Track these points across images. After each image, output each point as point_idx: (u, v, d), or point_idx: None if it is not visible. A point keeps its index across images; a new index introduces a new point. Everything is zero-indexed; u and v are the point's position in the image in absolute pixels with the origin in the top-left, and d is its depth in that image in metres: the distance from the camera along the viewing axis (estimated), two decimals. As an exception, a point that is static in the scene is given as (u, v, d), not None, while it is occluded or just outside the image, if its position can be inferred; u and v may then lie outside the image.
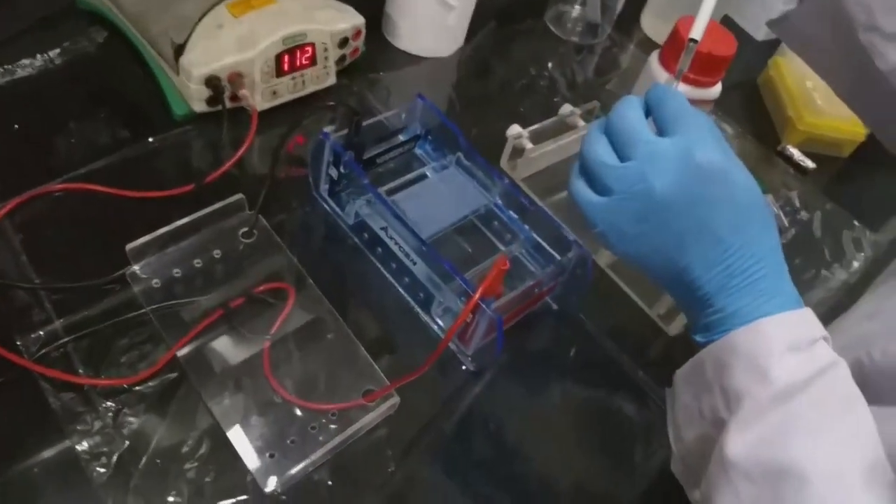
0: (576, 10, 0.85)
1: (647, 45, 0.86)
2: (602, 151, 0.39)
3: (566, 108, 0.70)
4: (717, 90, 0.74)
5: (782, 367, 0.35)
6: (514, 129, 0.66)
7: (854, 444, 0.33)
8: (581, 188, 0.40)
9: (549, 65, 0.82)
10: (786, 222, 0.72)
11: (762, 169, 0.78)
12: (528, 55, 0.82)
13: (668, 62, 0.72)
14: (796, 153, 0.79)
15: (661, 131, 0.39)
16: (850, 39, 0.47)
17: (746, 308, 0.37)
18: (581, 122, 0.70)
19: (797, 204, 0.75)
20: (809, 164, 0.78)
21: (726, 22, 0.90)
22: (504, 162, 0.68)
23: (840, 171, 0.80)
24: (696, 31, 0.45)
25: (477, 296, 0.47)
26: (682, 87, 0.72)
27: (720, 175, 0.37)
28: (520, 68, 0.81)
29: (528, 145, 0.66)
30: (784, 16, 0.52)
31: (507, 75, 0.79)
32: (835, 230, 0.73)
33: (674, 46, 0.72)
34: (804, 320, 0.37)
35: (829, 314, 0.64)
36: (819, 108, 0.78)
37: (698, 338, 0.39)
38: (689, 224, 0.37)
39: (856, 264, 0.71)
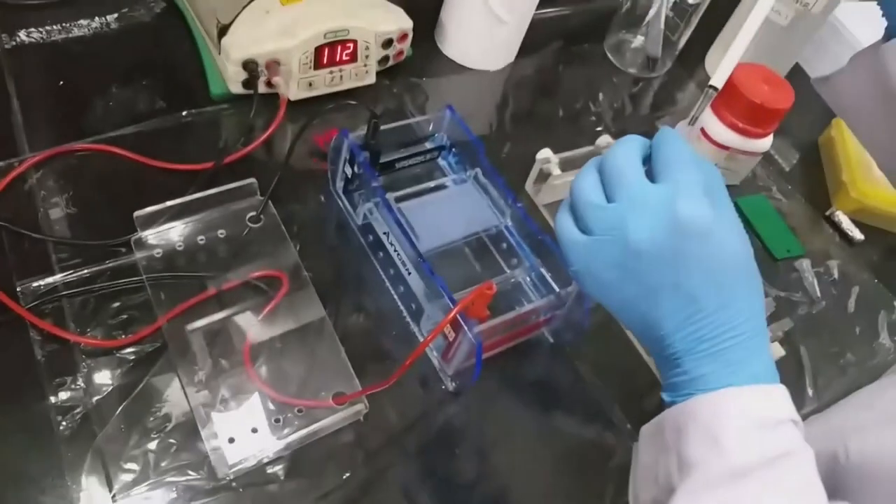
0: (637, 40, 0.83)
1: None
2: (589, 189, 0.37)
3: (604, 139, 0.69)
4: (766, 142, 0.71)
5: (739, 442, 0.33)
6: (544, 153, 0.65)
7: None
8: (565, 223, 0.38)
9: (600, 94, 0.80)
10: (818, 292, 0.68)
11: (807, 232, 0.74)
12: (581, 81, 0.81)
13: (718, 107, 0.70)
14: (845, 221, 0.74)
15: (653, 177, 0.37)
16: (890, 109, 0.44)
17: (712, 375, 0.35)
18: (616, 156, 0.68)
19: (835, 275, 0.70)
20: (857, 234, 0.74)
21: (796, 72, 0.86)
22: (529, 184, 0.67)
23: (890, 247, 0.75)
24: (718, 79, 0.43)
25: (454, 312, 0.46)
26: (731, 137, 0.69)
27: (703, 232, 0.35)
28: (568, 93, 0.79)
29: (555, 171, 0.64)
30: (829, 75, 0.49)
31: (553, 98, 0.78)
32: (871, 309, 0.69)
33: (726, 92, 0.69)
34: (772, 398, 0.35)
35: (844, 397, 0.61)
36: (876, 177, 0.74)
37: (665, 396, 0.38)
38: (664, 279, 0.35)
39: (887, 347, 0.66)
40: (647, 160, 0.39)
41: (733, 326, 0.35)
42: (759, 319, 0.36)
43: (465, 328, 0.47)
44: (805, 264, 0.70)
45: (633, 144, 0.38)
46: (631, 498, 0.40)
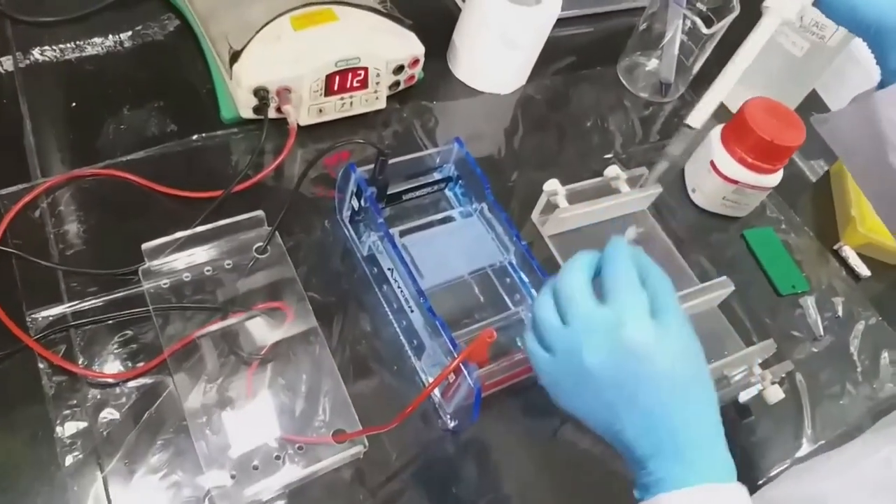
0: (651, 63, 0.83)
1: (722, 113, 0.81)
2: (546, 311, 0.40)
3: (612, 171, 0.69)
4: (776, 178, 0.71)
5: None
6: (551, 185, 0.65)
7: None
8: (531, 341, 0.42)
9: (610, 118, 0.80)
10: (821, 331, 0.68)
11: (813, 266, 0.74)
12: (591, 104, 0.80)
13: (728, 141, 0.69)
14: (852, 256, 0.74)
15: (602, 296, 0.39)
16: (882, 155, 0.45)
17: (675, 476, 0.37)
18: (625, 188, 0.68)
19: (839, 312, 0.70)
20: (864, 271, 0.74)
21: (813, 99, 0.85)
22: (536, 215, 0.67)
23: (895, 283, 0.75)
24: (695, 120, 0.44)
25: (455, 363, 0.47)
26: (740, 171, 0.69)
27: (647, 355, 0.37)
28: (578, 117, 0.79)
29: (563, 203, 0.64)
30: (828, 116, 0.49)
31: (563, 122, 0.78)
32: (874, 347, 0.69)
33: (737, 127, 0.69)
34: (726, 496, 0.37)
35: (839, 439, 0.62)
36: (886, 213, 0.73)
37: (636, 493, 0.40)
38: (619, 396, 0.38)
39: (888, 388, 0.66)
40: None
41: (689, 432, 0.37)
42: (713, 422, 0.38)
43: (465, 373, 0.48)
44: (809, 301, 0.70)
45: (581, 264, 0.40)
46: None
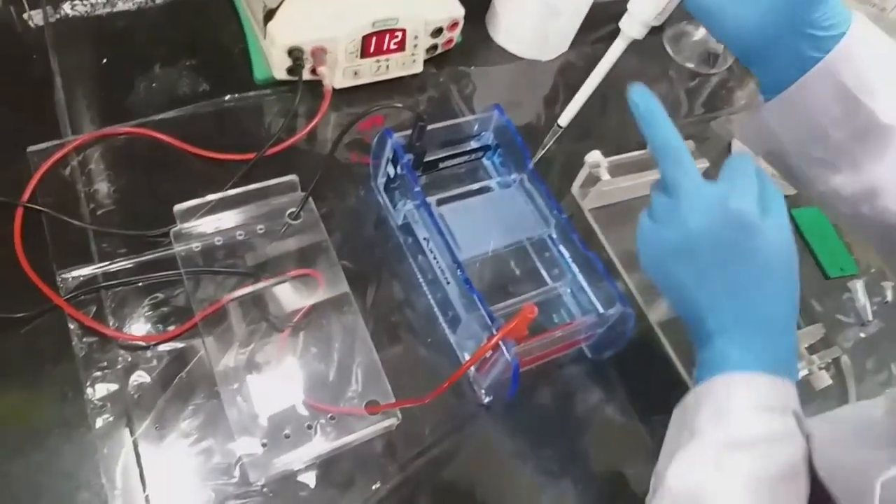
0: (699, 32, 0.79)
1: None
2: (657, 188, 0.42)
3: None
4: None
5: (741, 420, 0.37)
6: (594, 157, 0.63)
7: None
8: (643, 213, 0.43)
9: (654, 88, 0.76)
10: (870, 315, 0.65)
11: (863, 248, 0.71)
12: (635, 74, 0.76)
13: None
14: (904, 238, 0.71)
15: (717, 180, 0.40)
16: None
17: (737, 358, 0.38)
18: (668, 161, 0.65)
19: (889, 297, 0.68)
20: (916, 254, 0.70)
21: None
22: (576, 187, 0.65)
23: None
24: (564, 118, 0.44)
25: (495, 339, 0.45)
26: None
27: (748, 226, 0.38)
28: (620, 86, 0.75)
29: (605, 176, 0.62)
30: (748, 121, 0.46)
31: (604, 92, 0.74)
32: (924, 334, 0.66)
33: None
34: (780, 389, 0.38)
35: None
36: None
37: (695, 373, 0.41)
38: (710, 263, 0.39)
39: (938, 377, 0.64)
40: None
41: (763, 315, 0.38)
42: (789, 316, 0.39)
43: (504, 349, 0.46)
44: (858, 285, 0.67)
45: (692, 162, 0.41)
46: (655, 470, 0.41)
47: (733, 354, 0.38)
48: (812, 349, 0.59)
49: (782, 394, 0.38)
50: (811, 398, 0.59)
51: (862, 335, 0.65)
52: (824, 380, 0.58)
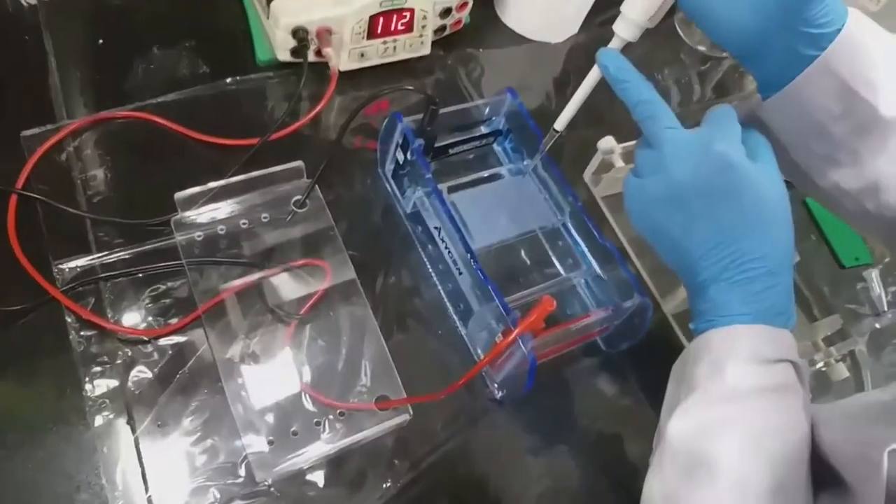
0: (711, 15, 0.77)
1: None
2: (641, 145, 0.42)
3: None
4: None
5: (739, 371, 0.36)
6: (607, 143, 0.61)
7: (772, 462, 0.35)
8: (629, 173, 0.43)
9: (666, 71, 0.74)
10: (885, 305, 0.64)
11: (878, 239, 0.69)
12: (646, 57, 0.75)
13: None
14: (921, 227, 0.70)
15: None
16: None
17: (732, 304, 0.38)
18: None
19: (905, 286, 0.66)
20: (933, 243, 0.69)
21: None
22: (588, 174, 0.63)
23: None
24: (560, 123, 0.46)
25: (516, 333, 0.44)
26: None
27: (736, 168, 0.38)
28: (632, 70, 0.74)
29: (619, 163, 0.60)
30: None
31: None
32: (941, 325, 0.65)
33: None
34: (777, 339, 0.37)
35: None
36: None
37: (692, 325, 0.40)
38: (698, 209, 0.38)
39: (955, 369, 0.63)
40: None
41: (755, 258, 0.37)
42: (783, 258, 0.38)
43: (520, 343, 0.45)
44: (873, 274, 0.66)
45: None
46: (658, 426, 0.40)
47: (728, 304, 0.38)
48: (829, 341, 0.57)
49: (779, 344, 0.38)
50: (828, 390, 0.58)
51: (877, 325, 0.63)
52: (842, 372, 0.56)
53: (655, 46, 0.76)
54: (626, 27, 0.41)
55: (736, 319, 0.37)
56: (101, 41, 0.58)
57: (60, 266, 0.48)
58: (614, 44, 0.43)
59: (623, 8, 0.41)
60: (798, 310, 0.61)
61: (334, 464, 0.46)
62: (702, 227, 0.38)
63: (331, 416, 0.47)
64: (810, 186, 0.44)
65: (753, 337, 0.37)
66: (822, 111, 0.39)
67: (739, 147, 0.39)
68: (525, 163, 0.58)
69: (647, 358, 0.55)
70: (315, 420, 0.46)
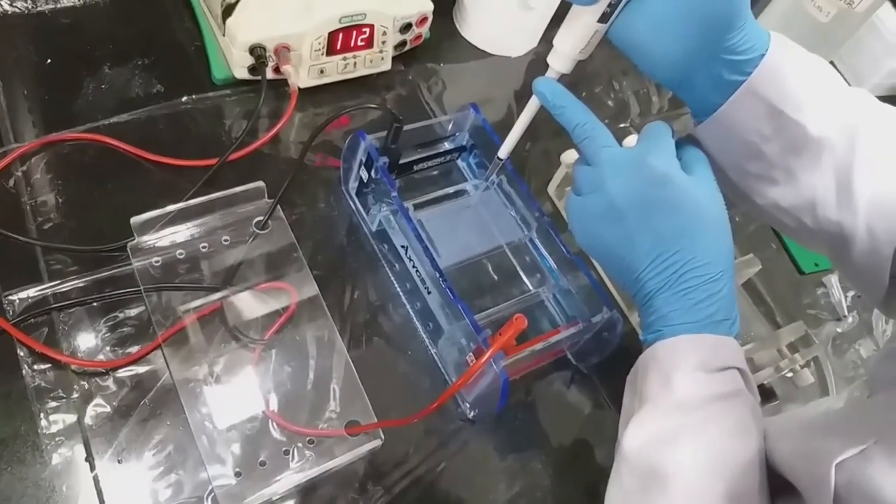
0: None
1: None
2: (580, 162, 0.42)
3: (631, 140, 0.64)
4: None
5: (686, 381, 0.37)
6: (571, 156, 0.61)
7: (725, 470, 0.35)
8: (571, 192, 0.43)
9: (624, 83, 0.75)
10: (845, 310, 0.66)
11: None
12: (605, 68, 0.76)
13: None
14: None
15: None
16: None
17: (675, 313, 0.38)
18: (644, 159, 0.64)
19: (863, 290, 0.68)
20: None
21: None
22: (552, 188, 0.63)
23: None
24: (504, 151, 0.46)
25: (487, 356, 0.43)
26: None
27: (671, 181, 0.39)
28: (592, 82, 0.74)
29: (582, 176, 0.60)
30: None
31: (576, 89, 0.73)
32: (899, 327, 0.66)
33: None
34: (722, 347, 0.38)
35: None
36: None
37: (641, 338, 0.41)
38: (637, 224, 0.39)
39: (913, 370, 0.64)
40: None
41: (696, 267, 0.38)
42: (724, 266, 0.39)
43: (492, 362, 0.44)
44: (833, 279, 0.67)
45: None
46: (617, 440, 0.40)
47: (672, 314, 0.38)
48: (793, 347, 0.58)
49: (724, 351, 0.38)
50: (795, 396, 0.58)
51: (838, 330, 0.65)
52: (807, 378, 0.57)
53: (613, 58, 0.77)
54: (559, 60, 0.42)
55: (680, 329, 0.38)
56: (49, 60, 0.56)
57: (10, 297, 0.46)
58: (550, 74, 0.43)
59: (555, 42, 0.42)
60: (761, 317, 0.62)
61: (305, 492, 0.45)
62: (641, 240, 0.39)
63: (300, 444, 0.45)
64: (750, 205, 0.45)
65: (698, 346, 0.38)
66: (754, 133, 0.40)
67: (673, 160, 0.39)
68: (477, 182, 0.57)
69: (618, 370, 0.55)
70: (284, 449, 0.45)
